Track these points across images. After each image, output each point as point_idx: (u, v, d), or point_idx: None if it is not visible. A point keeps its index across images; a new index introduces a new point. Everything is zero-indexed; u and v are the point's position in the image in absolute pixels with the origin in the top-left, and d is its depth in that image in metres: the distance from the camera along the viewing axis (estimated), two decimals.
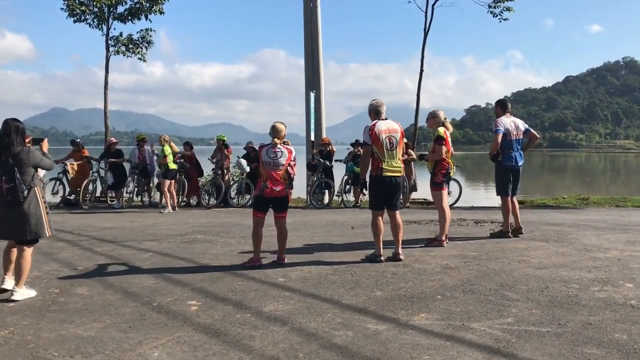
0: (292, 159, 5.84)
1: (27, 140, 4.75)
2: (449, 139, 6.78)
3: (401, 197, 11.52)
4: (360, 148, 9.99)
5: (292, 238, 6.17)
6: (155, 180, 12.81)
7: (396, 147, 5.78)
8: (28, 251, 4.66)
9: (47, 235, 4.72)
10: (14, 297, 4.48)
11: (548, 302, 4.19)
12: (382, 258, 5.75)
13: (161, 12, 15.41)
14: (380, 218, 5.82)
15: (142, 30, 15.70)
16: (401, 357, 3.17)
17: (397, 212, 5.98)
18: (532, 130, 7.30)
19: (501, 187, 7.15)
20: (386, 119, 5.87)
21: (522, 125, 7.19)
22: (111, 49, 15.32)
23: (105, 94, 15.45)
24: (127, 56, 15.64)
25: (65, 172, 12.65)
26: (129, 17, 15.23)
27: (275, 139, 5.79)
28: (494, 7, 14.44)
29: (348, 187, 12.62)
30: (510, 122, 7.09)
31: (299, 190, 13.04)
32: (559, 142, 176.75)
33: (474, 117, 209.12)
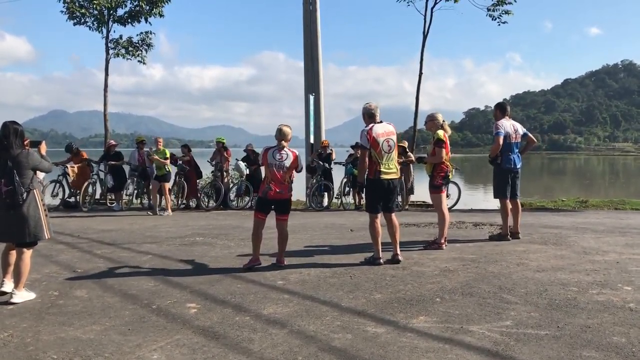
0: (299, 163, 5.89)
1: (25, 142, 4.76)
2: (448, 142, 6.80)
3: (399, 199, 11.63)
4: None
5: (291, 240, 6.18)
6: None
7: (393, 150, 5.82)
8: (27, 253, 4.66)
9: (47, 237, 4.72)
10: (13, 300, 4.49)
11: (546, 305, 4.20)
12: (381, 261, 5.76)
13: (161, 15, 15.43)
14: (378, 220, 5.83)
15: (141, 33, 15.77)
16: (400, 359, 3.18)
17: (393, 213, 5.98)
18: (529, 134, 7.37)
19: (499, 190, 7.17)
20: (381, 121, 5.89)
21: (520, 129, 7.23)
22: (111, 51, 15.35)
23: (105, 97, 15.45)
24: (127, 59, 15.67)
25: (65, 174, 12.64)
26: (129, 20, 15.25)
27: (283, 142, 5.83)
28: (493, 10, 14.46)
29: (347, 189, 12.64)
30: (509, 125, 7.13)
31: (298, 192, 13.05)
32: (558, 145, 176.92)
33: (473, 119, 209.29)
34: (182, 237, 7.95)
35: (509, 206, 7.15)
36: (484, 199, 18.28)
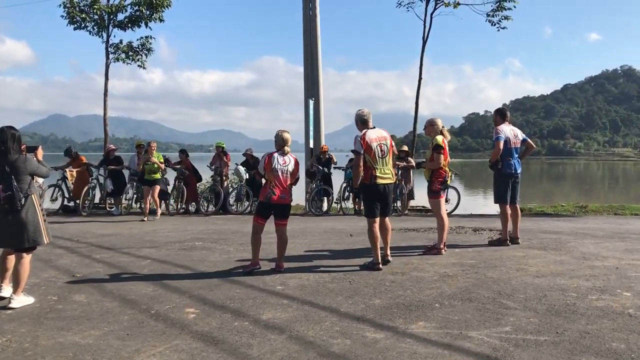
0: (298, 169, 5.99)
1: (22, 147, 4.76)
2: (447, 147, 6.81)
3: (399, 204, 11.63)
4: None
5: (290, 245, 6.18)
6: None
7: (387, 155, 5.90)
8: (27, 258, 4.66)
9: (45, 242, 4.72)
10: (11, 305, 4.48)
11: (546, 310, 4.19)
12: (381, 266, 5.77)
13: (161, 20, 15.46)
14: (376, 225, 5.86)
15: (142, 37, 15.79)
16: None
17: (387, 218, 6.07)
18: (529, 140, 7.42)
19: (500, 195, 7.18)
20: (374, 127, 5.99)
21: (520, 134, 7.26)
22: (111, 56, 15.37)
23: (105, 101, 15.46)
24: (127, 63, 15.70)
25: (64, 178, 12.64)
26: (129, 25, 15.28)
27: (286, 147, 5.90)
28: (492, 16, 14.51)
29: (347, 194, 12.64)
30: (509, 130, 7.16)
31: (298, 197, 13.05)
32: (558, 150, 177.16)
33: (472, 124, 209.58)
34: (181, 242, 7.94)
35: (509, 211, 7.16)
36: (484, 204, 18.28)
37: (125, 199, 12.74)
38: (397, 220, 10.28)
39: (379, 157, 5.81)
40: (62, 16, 14.91)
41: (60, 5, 14.87)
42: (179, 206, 12.69)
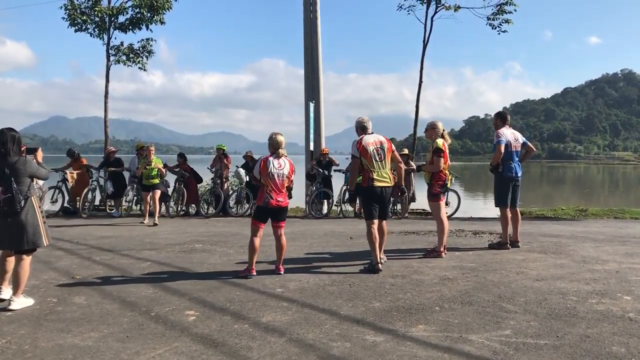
0: (293, 171, 5.99)
1: (22, 149, 4.76)
2: (447, 151, 6.82)
3: (398, 207, 11.62)
4: None
5: (290, 248, 6.18)
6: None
7: (384, 158, 5.96)
8: (26, 260, 4.65)
9: (45, 244, 4.72)
10: (11, 306, 4.47)
11: (546, 314, 4.19)
12: (380, 267, 5.78)
13: (162, 22, 15.48)
14: (375, 227, 5.88)
15: (142, 39, 15.81)
16: None
17: (384, 221, 6.14)
18: (529, 143, 7.43)
19: (500, 198, 7.18)
20: (372, 133, 6.11)
21: (520, 138, 7.27)
22: (112, 58, 15.39)
23: (106, 103, 15.47)
24: (128, 65, 15.71)
25: (64, 180, 12.64)
26: (130, 27, 15.30)
27: (280, 150, 5.89)
28: (493, 19, 14.53)
29: (347, 197, 12.63)
30: (510, 134, 7.17)
31: (298, 199, 13.05)
32: (558, 154, 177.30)
33: (472, 127, 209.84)
34: (181, 244, 7.94)
35: (509, 214, 7.16)
36: (484, 207, 18.28)
37: (126, 201, 12.73)
38: (398, 223, 10.27)
39: (375, 160, 5.90)
40: (63, 18, 14.93)
41: (61, 7, 14.91)
42: (179, 208, 12.68)
